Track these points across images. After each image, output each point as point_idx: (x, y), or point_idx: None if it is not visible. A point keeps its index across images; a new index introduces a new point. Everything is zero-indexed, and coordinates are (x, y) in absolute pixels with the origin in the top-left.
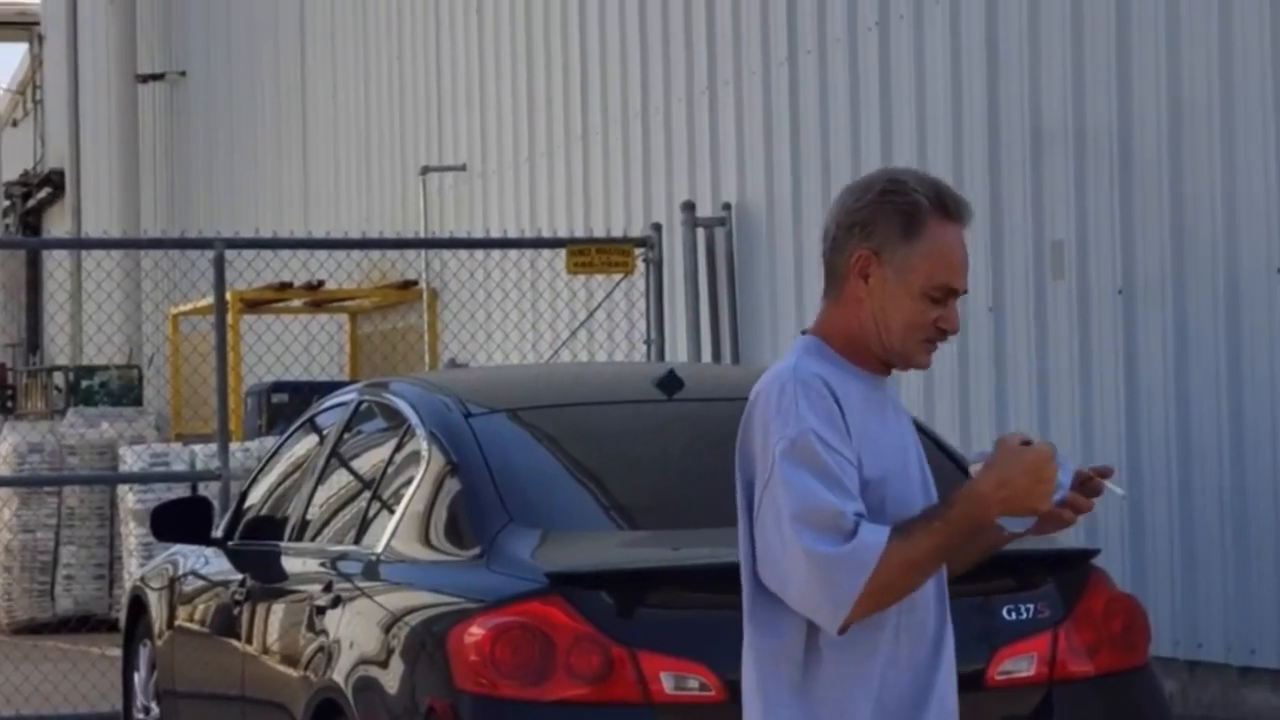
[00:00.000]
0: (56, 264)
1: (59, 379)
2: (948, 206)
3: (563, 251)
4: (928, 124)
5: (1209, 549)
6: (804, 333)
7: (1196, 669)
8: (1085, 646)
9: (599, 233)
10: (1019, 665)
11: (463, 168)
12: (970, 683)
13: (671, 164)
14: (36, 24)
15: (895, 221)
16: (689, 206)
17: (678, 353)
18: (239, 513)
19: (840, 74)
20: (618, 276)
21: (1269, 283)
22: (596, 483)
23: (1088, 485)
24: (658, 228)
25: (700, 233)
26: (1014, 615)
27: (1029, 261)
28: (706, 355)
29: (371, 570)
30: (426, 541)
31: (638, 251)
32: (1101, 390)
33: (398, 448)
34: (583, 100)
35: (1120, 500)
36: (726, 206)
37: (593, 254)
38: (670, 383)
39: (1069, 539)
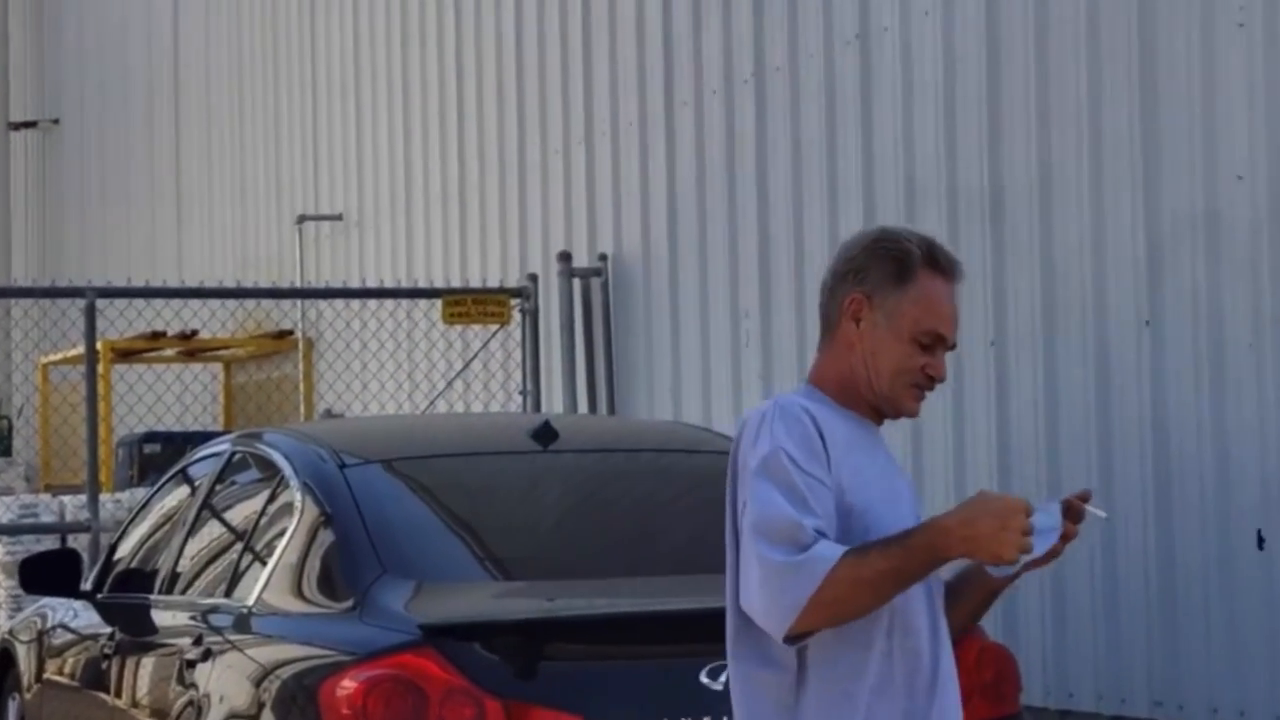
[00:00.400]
0: None
1: None
2: (938, 260)
3: (439, 302)
4: (803, 178)
5: (1079, 597)
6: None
7: (1068, 718)
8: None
9: (475, 283)
10: None
11: (339, 217)
12: None
13: (548, 215)
14: None
15: (888, 268)
16: (565, 257)
17: (554, 403)
18: (108, 565)
19: (716, 126)
20: (494, 327)
21: (1137, 334)
22: (472, 534)
23: (1071, 511)
24: (534, 278)
25: (577, 283)
26: None
27: None
28: (583, 406)
29: (243, 623)
30: (299, 594)
31: (514, 302)
32: (974, 439)
33: (271, 499)
34: (459, 150)
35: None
36: (603, 257)
37: (469, 304)
38: (545, 433)
39: None
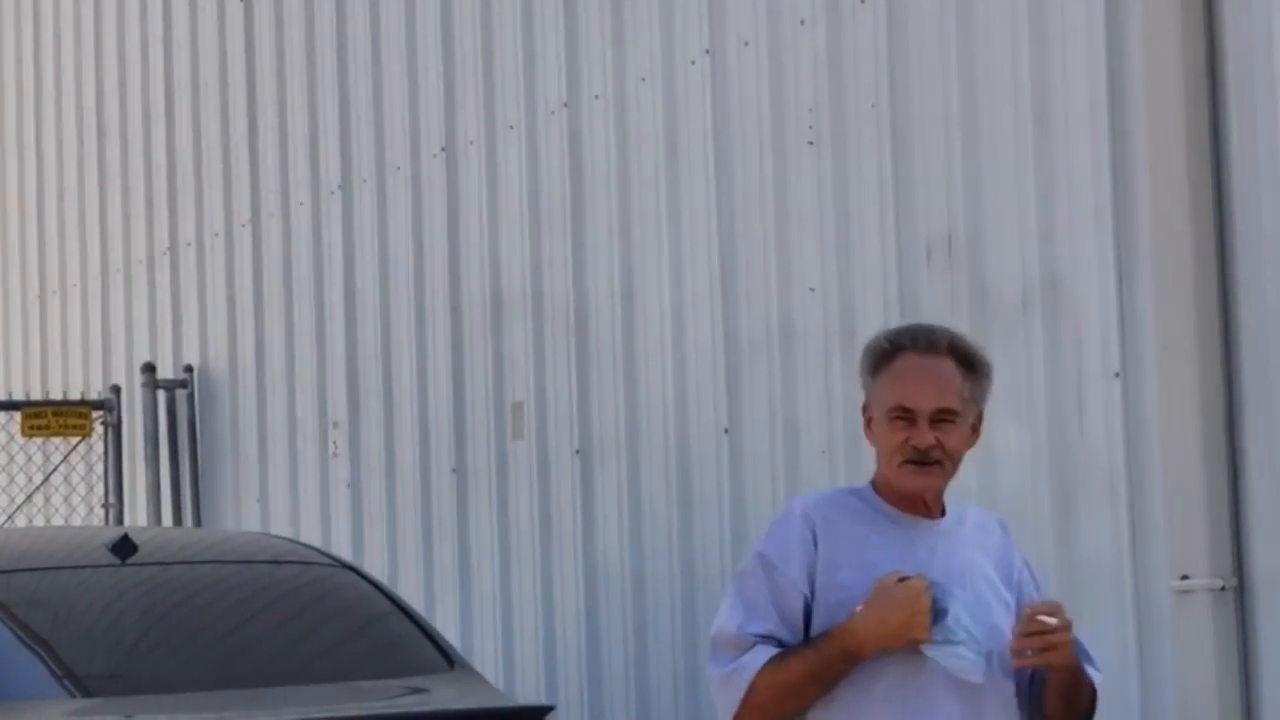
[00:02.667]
0: None
1: None
2: (903, 343)
3: (17, 414)
4: (390, 289)
5: (663, 696)
6: None
7: None
8: None
9: (57, 394)
10: None
11: None
12: None
13: (132, 325)
14: None
15: (867, 368)
16: (149, 368)
17: (138, 515)
18: None
19: (304, 238)
20: (75, 439)
21: (716, 442)
22: (48, 649)
23: (1031, 625)
24: (117, 390)
25: (161, 395)
26: None
27: (491, 423)
28: (168, 518)
29: None
30: None
31: (96, 414)
32: (561, 545)
33: None
34: (40, 260)
35: (581, 649)
36: (188, 368)
37: (49, 417)
38: (124, 547)
39: (527, 695)
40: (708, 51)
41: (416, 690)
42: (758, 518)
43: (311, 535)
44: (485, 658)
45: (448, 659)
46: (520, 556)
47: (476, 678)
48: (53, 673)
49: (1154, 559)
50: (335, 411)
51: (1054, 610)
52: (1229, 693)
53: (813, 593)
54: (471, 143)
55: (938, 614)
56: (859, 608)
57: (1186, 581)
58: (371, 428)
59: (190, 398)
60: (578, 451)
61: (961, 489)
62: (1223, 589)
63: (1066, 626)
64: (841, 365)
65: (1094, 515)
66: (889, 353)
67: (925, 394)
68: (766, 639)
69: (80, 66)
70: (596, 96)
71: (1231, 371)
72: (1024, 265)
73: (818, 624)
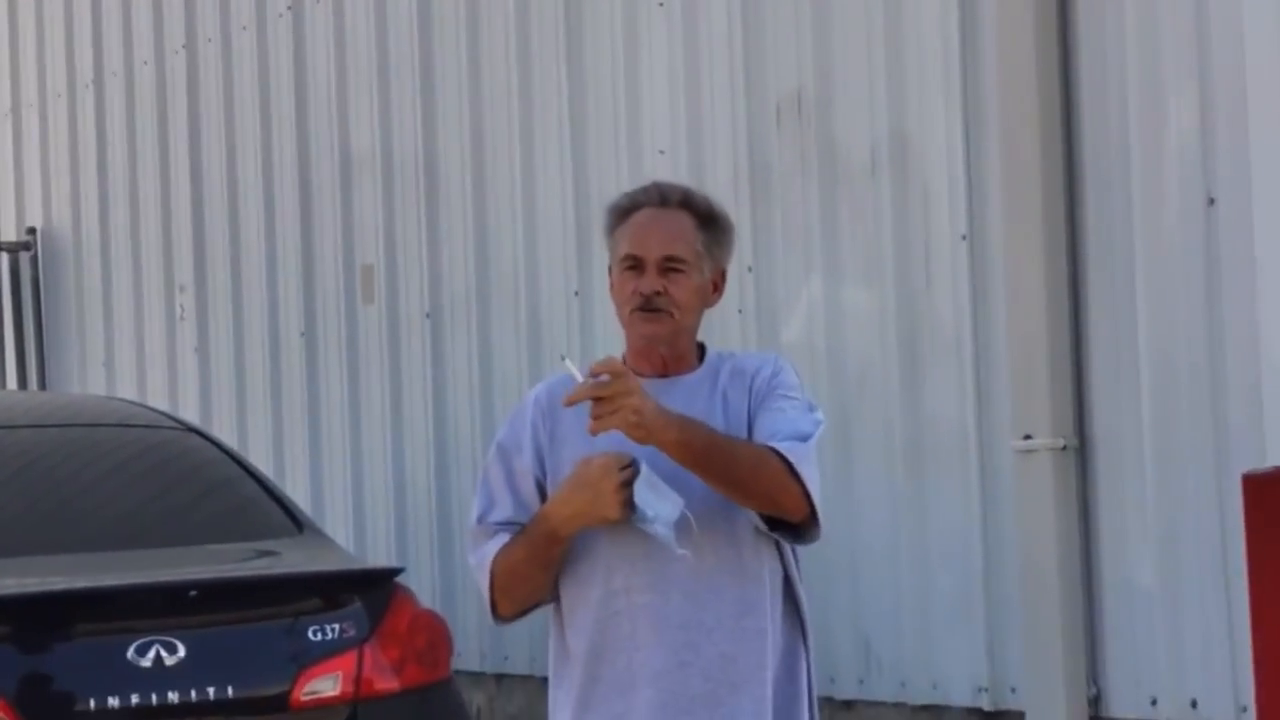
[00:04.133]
0: None
1: None
2: (639, 199)
3: None
4: (238, 150)
5: None
6: None
7: (503, 681)
8: (391, 664)
9: None
10: (324, 685)
11: None
12: (275, 704)
13: None
14: None
15: (608, 226)
16: None
17: None
18: None
19: (148, 98)
20: None
21: (567, 304)
22: None
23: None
24: None
25: (4, 258)
26: (319, 635)
27: (340, 287)
28: (12, 382)
29: None
30: None
31: None
32: (411, 410)
33: None
34: None
35: (432, 512)
36: (31, 231)
37: None
38: None
39: (377, 558)
40: None
41: (265, 554)
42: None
43: (159, 400)
44: (335, 522)
45: (296, 523)
46: (370, 421)
47: (326, 541)
48: None
49: (997, 419)
50: (182, 274)
51: (609, 369)
52: (1069, 550)
53: (544, 474)
54: (319, 1)
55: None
56: (557, 489)
57: (1029, 441)
58: (219, 291)
59: (34, 260)
60: (428, 315)
61: (808, 349)
62: (1064, 448)
63: (624, 389)
64: None
65: (939, 376)
66: (626, 209)
67: (654, 242)
68: (507, 525)
69: None
70: None
71: (1076, 235)
72: (873, 127)
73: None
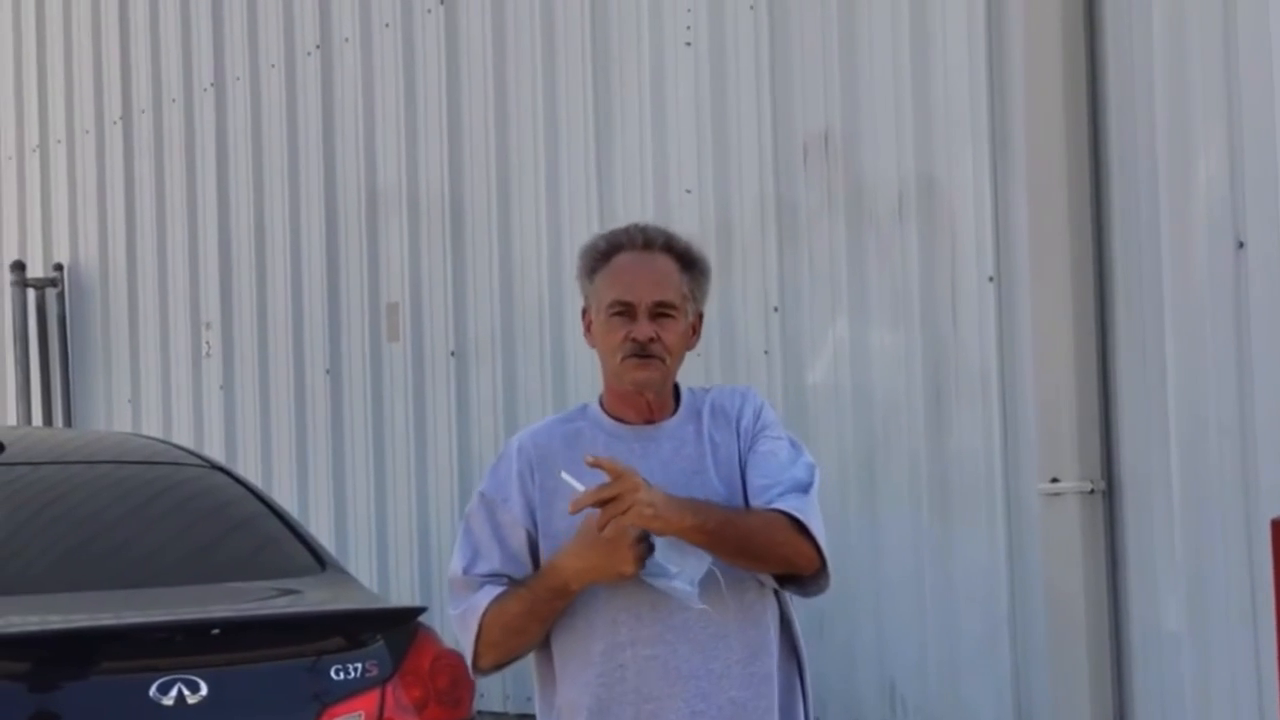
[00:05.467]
0: None
1: None
2: (620, 241)
3: None
4: (265, 188)
5: None
6: None
7: None
8: (413, 703)
9: None
10: None
11: None
12: None
13: (0, 222)
14: None
15: (585, 269)
16: (19, 267)
17: (7, 416)
18: None
19: (176, 135)
20: None
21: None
22: None
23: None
24: None
25: (31, 293)
26: (342, 674)
27: (365, 324)
28: (38, 419)
29: None
30: None
31: None
32: (436, 447)
33: None
34: None
35: None
36: (58, 267)
37: None
38: None
39: (400, 597)
40: None
41: (288, 592)
42: None
43: (183, 437)
44: (359, 560)
45: (320, 561)
46: (395, 459)
47: (349, 580)
48: None
49: (1024, 462)
50: (208, 312)
51: (609, 468)
52: (1096, 593)
53: (535, 526)
54: (347, 40)
55: (652, 544)
56: (567, 546)
57: (1056, 484)
58: (245, 328)
59: (60, 296)
60: (453, 353)
61: (835, 390)
62: (1091, 491)
63: (631, 486)
64: (717, 266)
65: (967, 418)
66: (606, 252)
67: (643, 287)
68: (493, 578)
69: None
70: None
71: (1104, 277)
72: (900, 168)
73: (544, 556)
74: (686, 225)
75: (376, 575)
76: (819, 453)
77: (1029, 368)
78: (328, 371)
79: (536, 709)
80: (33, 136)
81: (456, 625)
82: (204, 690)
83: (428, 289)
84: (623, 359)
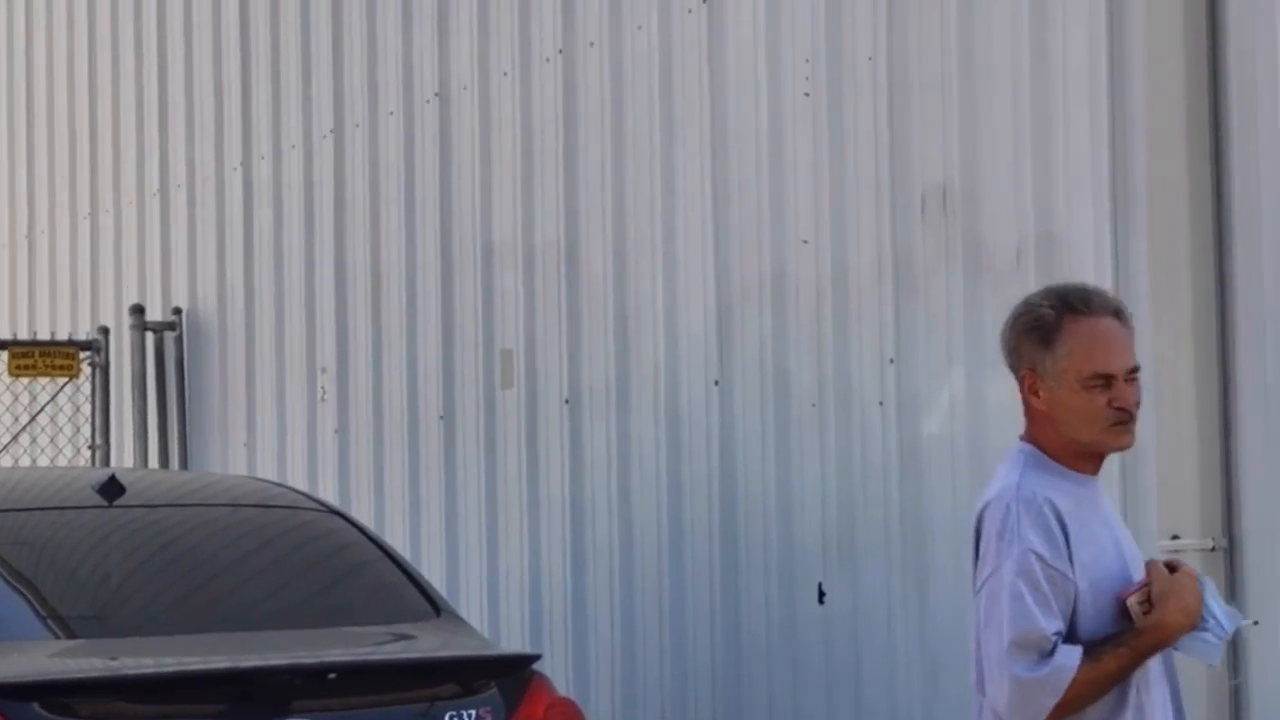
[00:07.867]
0: None
1: None
2: (1075, 306)
3: (3, 354)
4: (381, 233)
5: (648, 652)
6: (1021, 438)
7: None
8: None
9: (44, 335)
10: None
11: None
12: None
13: (121, 266)
14: None
15: (1033, 339)
16: (138, 310)
17: (125, 458)
18: None
19: (295, 181)
20: (62, 380)
21: (706, 393)
22: (33, 590)
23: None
24: (105, 331)
25: (149, 337)
26: None
27: (479, 371)
28: (154, 461)
29: None
30: None
31: (83, 355)
32: (549, 495)
33: None
34: (29, 200)
35: (568, 598)
36: (177, 310)
37: (36, 357)
38: (112, 488)
39: (512, 643)
40: (703, 0)
41: (402, 637)
42: (746, 471)
43: (298, 480)
44: (471, 606)
45: (434, 606)
46: (507, 505)
47: (462, 625)
48: (38, 614)
49: (1144, 518)
50: (324, 357)
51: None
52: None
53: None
54: (465, 88)
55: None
56: (1167, 603)
57: (1176, 541)
58: (360, 373)
59: (178, 340)
60: (567, 401)
61: (950, 443)
62: (1213, 549)
63: (1191, 583)
64: (833, 318)
65: None
66: (1056, 321)
67: (1120, 356)
68: (1058, 636)
69: (72, 6)
70: (591, 44)
71: (1225, 333)
72: (1019, 221)
73: (1080, 610)
74: (803, 276)
75: (488, 621)
76: (933, 506)
77: (1149, 422)
78: (441, 417)
79: None
80: (153, 181)
81: (1029, 687)
82: None
83: (542, 336)
84: (1108, 427)
